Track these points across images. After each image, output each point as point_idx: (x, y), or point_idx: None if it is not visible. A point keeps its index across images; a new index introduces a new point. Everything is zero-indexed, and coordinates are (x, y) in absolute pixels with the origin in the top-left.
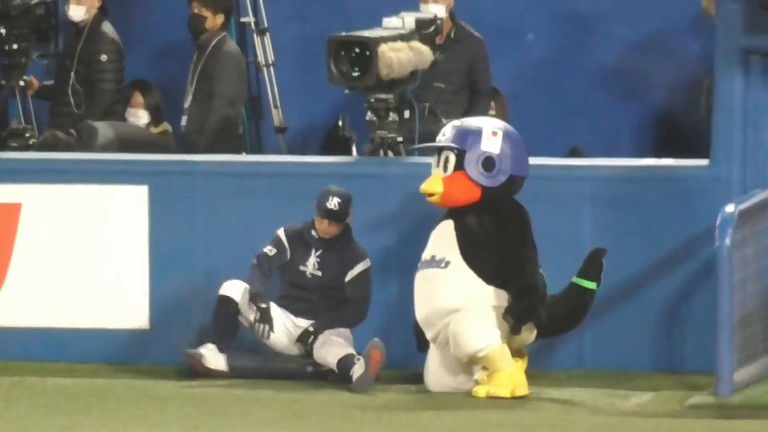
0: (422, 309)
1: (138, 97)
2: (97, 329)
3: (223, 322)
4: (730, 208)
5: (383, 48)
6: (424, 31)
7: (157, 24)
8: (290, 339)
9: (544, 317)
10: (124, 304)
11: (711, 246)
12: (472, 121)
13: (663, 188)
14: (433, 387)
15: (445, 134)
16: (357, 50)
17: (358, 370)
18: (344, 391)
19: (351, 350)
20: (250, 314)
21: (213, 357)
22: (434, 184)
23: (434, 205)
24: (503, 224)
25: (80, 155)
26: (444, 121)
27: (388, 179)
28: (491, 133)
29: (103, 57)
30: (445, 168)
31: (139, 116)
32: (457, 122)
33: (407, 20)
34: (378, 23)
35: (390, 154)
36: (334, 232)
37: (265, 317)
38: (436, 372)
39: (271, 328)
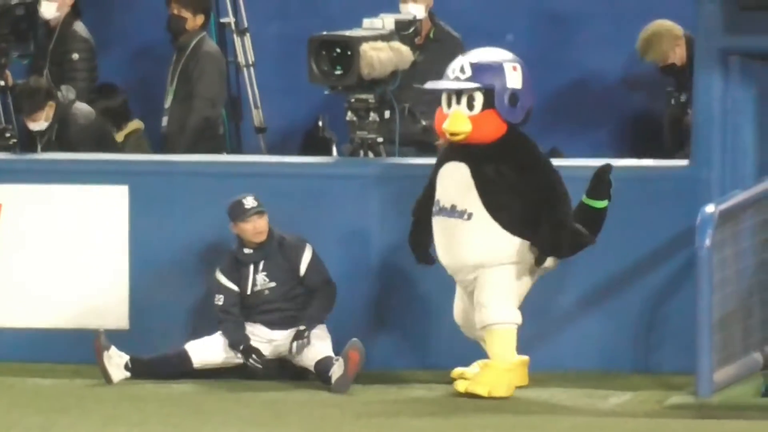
0: (445, 258)
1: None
2: (77, 329)
3: (170, 368)
4: (709, 208)
5: (365, 47)
6: (403, 32)
7: (135, 24)
8: (274, 352)
9: (568, 251)
10: (104, 304)
11: (691, 247)
12: (488, 56)
13: (643, 189)
14: (462, 328)
15: (465, 71)
16: (338, 50)
17: (336, 371)
18: (324, 391)
19: (329, 352)
20: (235, 359)
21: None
22: (461, 123)
23: (455, 142)
24: (523, 167)
25: (60, 155)
26: (423, 122)
27: (369, 180)
28: (512, 68)
29: (75, 56)
30: (471, 106)
31: None
32: (473, 58)
33: (387, 21)
34: (357, 24)
35: (370, 154)
36: (265, 227)
37: (249, 354)
38: (467, 315)
39: (260, 361)
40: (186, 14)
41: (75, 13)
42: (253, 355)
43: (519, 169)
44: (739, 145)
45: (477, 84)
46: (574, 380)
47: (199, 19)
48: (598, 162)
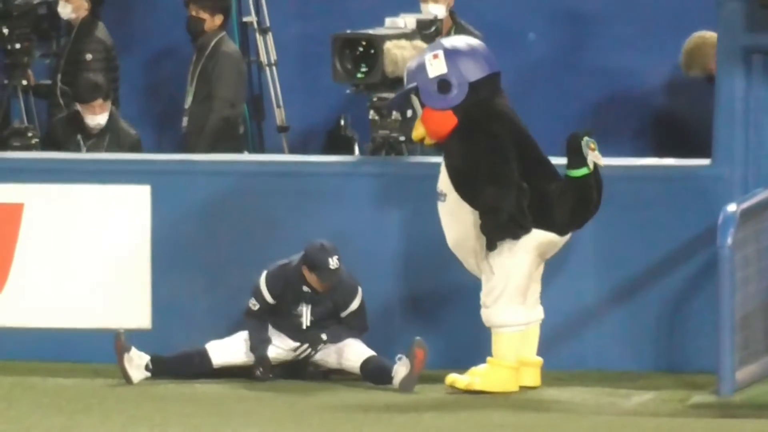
0: (447, 239)
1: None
2: (99, 329)
3: (191, 368)
4: (731, 207)
5: (388, 45)
6: (425, 31)
7: (156, 25)
8: (289, 353)
9: (523, 229)
10: (126, 303)
11: (712, 246)
12: (418, 57)
13: (664, 188)
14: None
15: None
16: (361, 48)
17: (401, 370)
18: (346, 390)
19: (371, 351)
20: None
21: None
22: (417, 129)
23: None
24: (473, 144)
25: (82, 155)
26: None
27: (390, 179)
28: (432, 57)
29: (88, 56)
30: (418, 110)
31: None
32: (409, 65)
33: (408, 21)
34: (379, 23)
35: (393, 153)
36: (329, 288)
37: (261, 364)
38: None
39: (267, 377)
40: (204, 15)
41: (94, 14)
42: (261, 368)
43: (469, 145)
44: (761, 144)
45: (407, 88)
46: (596, 379)
47: (218, 20)
48: (619, 162)
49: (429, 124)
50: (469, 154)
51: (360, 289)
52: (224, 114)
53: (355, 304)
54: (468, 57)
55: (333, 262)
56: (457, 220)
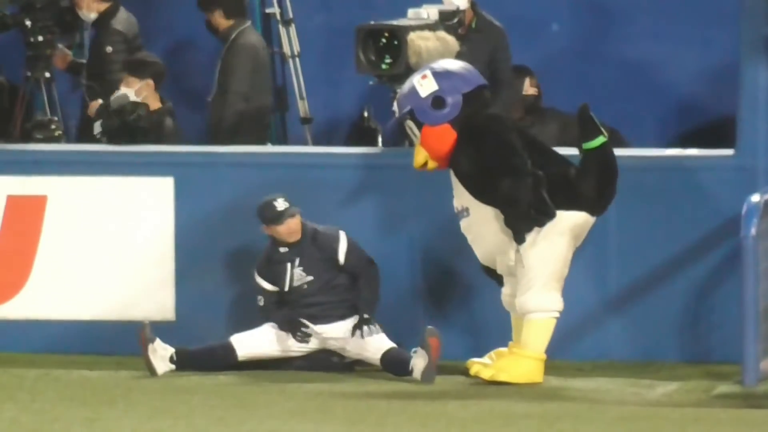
0: (477, 255)
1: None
2: (123, 321)
3: (215, 360)
4: (755, 197)
5: (412, 36)
6: (447, 22)
7: (178, 16)
8: (319, 345)
9: (547, 216)
10: (150, 295)
11: (736, 236)
12: (407, 83)
13: (688, 178)
14: (509, 308)
15: (396, 110)
16: (384, 39)
17: (419, 362)
18: (370, 381)
19: (391, 343)
20: (280, 351)
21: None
22: (417, 155)
23: (438, 170)
24: (478, 147)
25: (106, 148)
26: None
27: (414, 170)
28: (421, 78)
29: (109, 49)
30: (415, 135)
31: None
32: (399, 93)
33: (431, 12)
34: (401, 14)
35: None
36: (298, 225)
37: (297, 328)
38: (513, 300)
39: (307, 333)
40: (217, 21)
41: (115, 8)
42: (301, 329)
43: (477, 149)
44: None
45: (401, 113)
46: (620, 370)
47: (231, 21)
48: (642, 152)
49: (430, 142)
50: (478, 157)
51: (342, 232)
52: (237, 108)
53: (343, 244)
54: (454, 73)
55: (280, 204)
56: (486, 230)
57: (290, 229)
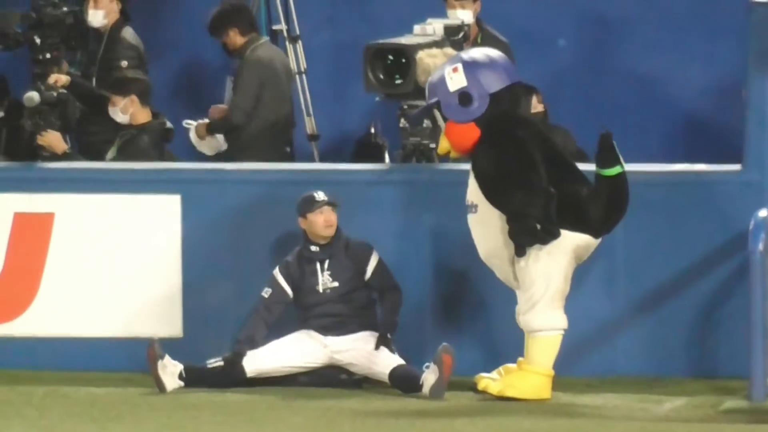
0: (478, 251)
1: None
2: (130, 338)
3: (224, 377)
4: (762, 213)
5: (421, 55)
6: (452, 37)
7: (186, 30)
8: (328, 358)
9: (551, 235)
10: (157, 312)
11: (743, 251)
12: (438, 71)
13: (695, 193)
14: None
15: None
16: (391, 57)
17: (430, 377)
18: (377, 398)
19: (400, 359)
20: (288, 368)
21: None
22: (441, 142)
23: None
24: (499, 151)
25: (113, 165)
26: None
27: (421, 186)
28: (452, 71)
29: (124, 63)
30: (443, 122)
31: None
32: (430, 79)
33: (436, 27)
34: (406, 30)
35: (423, 160)
36: (335, 220)
37: (231, 365)
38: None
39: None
40: (233, 41)
41: (124, 19)
42: (231, 367)
43: (496, 154)
44: None
45: (429, 103)
46: (627, 385)
47: (247, 39)
48: (649, 167)
49: (452, 137)
50: (497, 162)
51: (375, 250)
52: (239, 123)
53: (374, 260)
54: (487, 68)
55: (319, 195)
56: (489, 230)
57: (327, 221)
